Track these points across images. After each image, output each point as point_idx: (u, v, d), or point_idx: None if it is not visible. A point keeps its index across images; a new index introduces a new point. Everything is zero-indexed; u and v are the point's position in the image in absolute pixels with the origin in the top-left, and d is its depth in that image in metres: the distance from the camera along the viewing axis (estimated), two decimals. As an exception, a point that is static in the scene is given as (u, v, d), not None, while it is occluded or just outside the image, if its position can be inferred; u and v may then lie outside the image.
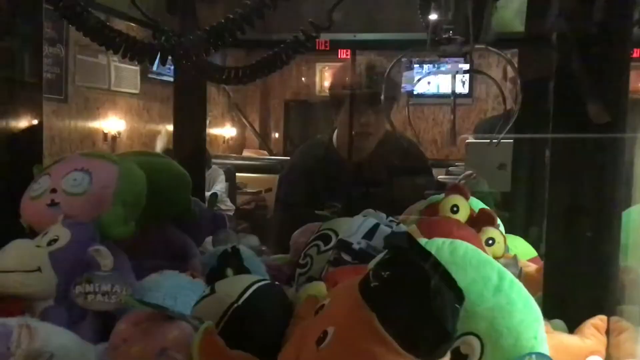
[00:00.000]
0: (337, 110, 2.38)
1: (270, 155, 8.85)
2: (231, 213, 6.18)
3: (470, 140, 2.61)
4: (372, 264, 0.77)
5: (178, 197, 1.48)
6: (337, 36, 2.07)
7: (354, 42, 2.17)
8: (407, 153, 2.38)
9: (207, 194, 5.60)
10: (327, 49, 2.65)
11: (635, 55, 2.28)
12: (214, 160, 6.49)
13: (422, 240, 0.84)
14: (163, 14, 2.03)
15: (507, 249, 1.52)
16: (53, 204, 1.21)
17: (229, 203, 6.24)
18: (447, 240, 0.86)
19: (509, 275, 0.83)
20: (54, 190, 1.22)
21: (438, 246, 0.85)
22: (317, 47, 2.50)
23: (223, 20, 1.11)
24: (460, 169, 3.62)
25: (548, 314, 1.16)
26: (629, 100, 1.19)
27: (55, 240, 1.11)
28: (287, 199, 2.45)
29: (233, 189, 6.71)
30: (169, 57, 1.13)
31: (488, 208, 1.53)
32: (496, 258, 1.28)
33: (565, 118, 1.19)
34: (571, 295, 1.17)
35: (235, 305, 0.88)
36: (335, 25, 1.63)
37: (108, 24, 1.13)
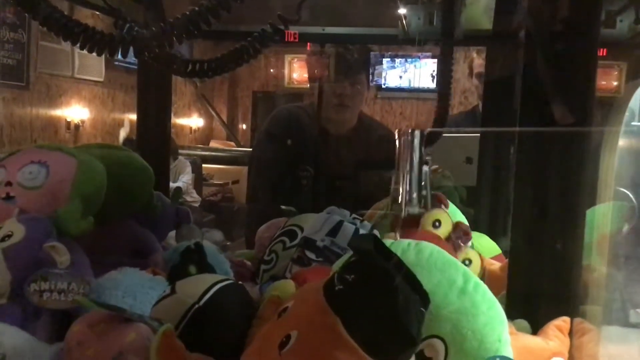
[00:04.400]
0: (313, 90, 2.40)
1: (238, 147, 8.78)
2: (197, 204, 6.12)
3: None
4: (336, 266, 0.76)
5: (140, 191, 1.44)
6: (307, 29, 2.04)
7: (322, 35, 2.15)
8: (383, 137, 2.39)
9: (173, 185, 5.55)
10: (296, 40, 2.63)
11: (602, 54, 2.32)
12: (180, 151, 6.42)
13: (388, 242, 0.83)
14: (129, 2, 1.97)
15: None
16: (8, 197, 1.17)
17: (195, 194, 6.18)
18: (413, 242, 0.85)
19: (473, 277, 0.82)
20: (9, 184, 1.18)
21: (404, 248, 0.83)
22: (286, 39, 2.49)
23: (188, 12, 1.07)
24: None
25: (512, 313, 1.16)
26: (597, 98, 1.19)
27: (9, 236, 1.07)
28: (264, 156, 2.43)
29: (199, 180, 6.65)
30: (130, 49, 1.09)
31: (464, 223, 1.52)
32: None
33: (530, 115, 1.19)
34: (535, 294, 1.17)
35: (196, 306, 0.85)
36: (305, 19, 1.61)
37: (66, 13, 1.09)
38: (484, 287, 0.82)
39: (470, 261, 1.31)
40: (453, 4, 1.73)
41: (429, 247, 0.84)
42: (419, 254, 0.83)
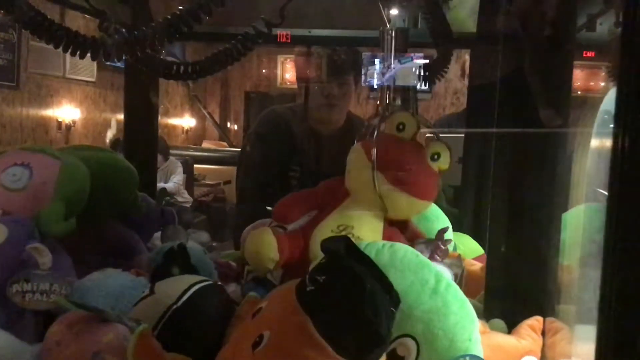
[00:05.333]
0: (302, 89, 2.42)
1: (230, 147, 8.78)
2: (188, 205, 6.12)
3: (429, 135, 2.64)
4: (310, 268, 0.77)
5: (124, 193, 1.46)
6: (298, 31, 2.06)
7: (313, 37, 2.17)
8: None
9: (163, 185, 5.51)
10: (289, 41, 2.65)
11: (586, 55, 2.35)
12: (172, 152, 6.42)
13: (362, 244, 0.84)
14: (115, 3, 1.98)
15: (454, 247, 1.54)
16: (-9, 199, 1.17)
17: (186, 195, 6.18)
18: (387, 244, 0.86)
19: (445, 277, 0.84)
20: (-8, 185, 1.18)
21: (378, 249, 0.85)
22: (278, 40, 2.51)
23: (169, 16, 1.09)
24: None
25: (490, 313, 1.18)
26: (584, 99, 1.21)
27: (-9, 238, 1.08)
28: (252, 157, 2.44)
29: (191, 180, 6.64)
30: (113, 53, 1.10)
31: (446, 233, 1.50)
32: (441, 171, 1.26)
33: (510, 117, 1.21)
34: (512, 294, 1.19)
35: (174, 306, 0.87)
36: (293, 20, 1.62)
37: (57, 16, 1.10)
38: (455, 287, 0.84)
39: (438, 155, 1.24)
40: (437, 6, 1.75)
41: (402, 248, 0.86)
42: (393, 254, 0.85)
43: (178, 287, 0.90)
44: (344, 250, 0.74)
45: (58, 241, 1.20)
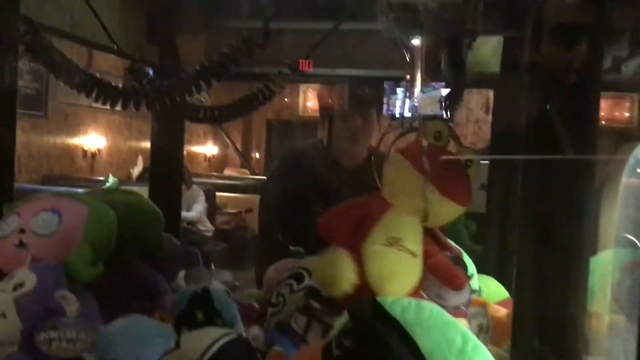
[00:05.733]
0: (325, 121, 2.44)
1: (252, 175, 8.83)
2: (210, 234, 6.15)
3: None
4: (336, 329, 0.77)
5: (149, 235, 1.47)
6: (322, 70, 2.09)
7: (333, 76, 2.20)
8: None
9: (186, 214, 5.57)
10: (311, 70, 2.68)
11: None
12: (194, 179, 6.47)
13: (388, 302, 0.84)
14: (143, 43, 2.03)
15: (478, 291, 1.52)
16: (21, 244, 1.20)
17: (208, 224, 6.21)
18: (413, 301, 0.86)
19: (472, 338, 0.83)
20: (22, 231, 1.21)
21: (404, 307, 0.85)
22: (300, 68, 2.53)
23: (198, 67, 1.11)
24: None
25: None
26: (610, 128, 1.20)
27: (21, 285, 1.09)
28: (275, 196, 2.46)
29: (212, 209, 6.68)
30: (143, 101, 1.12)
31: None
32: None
33: (537, 160, 1.19)
34: (540, 344, 1.17)
35: (200, 363, 0.87)
36: (317, 59, 1.65)
37: (82, 68, 1.13)
38: (482, 348, 0.83)
39: (439, 134, 1.24)
40: (459, 47, 1.76)
41: (428, 306, 0.85)
42: (419, 313, 0.84)
43: (203, 341, 0.90)
44: (371, 311, 0.74)
45: (85, 285, 1.21)
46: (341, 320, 0.86)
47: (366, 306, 0.73)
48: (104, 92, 1.11)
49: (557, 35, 1.03)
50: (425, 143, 1.26)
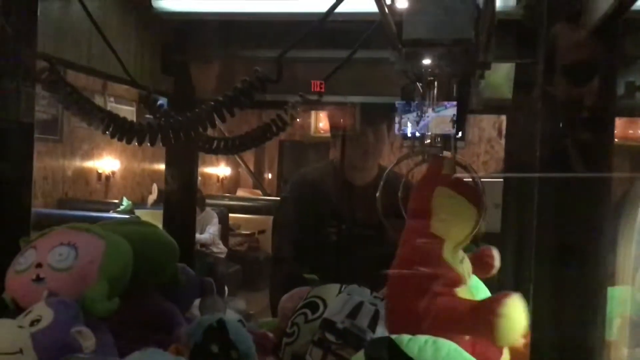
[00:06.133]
0: (336, 141, 2.47)
1: (264, 195, 8.86)
2: (223, 255, 6.16)
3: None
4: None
5: (165, 267, 1.48)
6: (333, 98, 2.11)
7: (344, 103, 2.22)
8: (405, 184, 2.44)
9: (199, 236, 5.59)
10: (322, 91, 2.71)
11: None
12: (207, 201, 6.50)
13: (404, 340, 0.84)
14: (158, 74, 2.05)
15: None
16: (38, 279, 1.20)
17: (221, 245, 6.22)
18: (430, 339, 0.85)
19: (491, 378, 0.83)
20: (39, 265, 1.21)
21: (420, 346, 0.84)
22: (312, 89, 2.55)
23: (213, 103, 1.12)
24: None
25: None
26: (626, 147, 1.20)
27: (37, 321, 1.10)
28: (287, 222, 2.47)
29: (226, 230, 6.70)
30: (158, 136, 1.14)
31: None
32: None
33: (551, 186, 1.19)
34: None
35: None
36: (329, 87, 1.66)
37: (95, 102, 1.15)
38: (500, 388, 0.82)
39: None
40: (472, 78, 1.77)
41: (446, 345, 0.85)
42: (436, 352, 0.84)
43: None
44: (387, 351, 0.74)
45: (101, 319, 1.22)
46: (357, 358, 0.86)
47: (383, 345, 0.73)
48: (120, 129, 1.12)
49: (566, 72, 1.03)
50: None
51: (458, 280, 1.16)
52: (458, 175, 1.35)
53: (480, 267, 1.52)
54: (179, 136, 1.13)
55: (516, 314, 1.01)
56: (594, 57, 0.96)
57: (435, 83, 1.35)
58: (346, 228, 2.39)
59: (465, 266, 1.27)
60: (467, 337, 1.04)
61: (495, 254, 1.56)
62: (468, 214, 1.24)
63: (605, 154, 1.14)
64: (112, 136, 1.13)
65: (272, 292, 2.49)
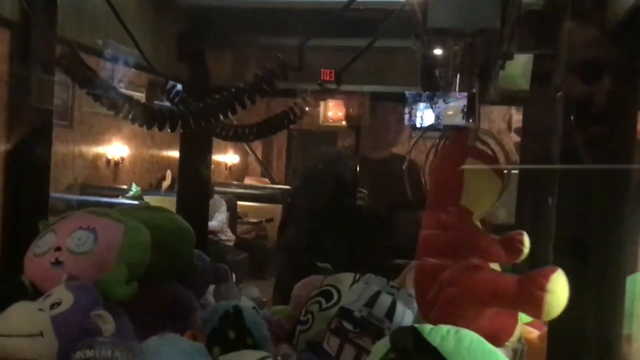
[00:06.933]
0: (352, 130, 2.50)
1: (272, 184, 8.86)
2: (231, 243, 6.18)
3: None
4: (375, 356, 0.77)
5: (181, 253, 1.48)
6: (348, 87, 2.11)
7: (357, 92, 2.22)
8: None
9: (209, 223, 5.59)
10: (333, 80, 2.71)
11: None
12: (215, 188, 6.51)
13: (427, 329, 0.84)
14: (174, 61, 2.05)
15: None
16: (57, 262, 1.21)
17: (229, 233, 6.24)
18: (452, 329, 0.85)
19: (513, 369, 0.83)
20: (58, 249, 1.22)
21: (443, 335, 0.84)
22: (322, 77, 2.55)
23: (234, 89, 1.12)
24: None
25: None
26: None
27: (57, 304, 1.11)
28: (305, 201, 2.51)
29: (234, 218, 6.71)
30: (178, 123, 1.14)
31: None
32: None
33: (571, 178, 1.18)
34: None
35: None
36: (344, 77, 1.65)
37: (116, 86, 1.15)
38: (523, 379, 0.82)
39: None
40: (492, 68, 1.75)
41: (468, 335, 0.85)
42: (459, 342, 0.84)
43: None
44: (412, 340, 0.74)
45: (119, 304, 1.23)
46: (380, 347, 0.86)
47: (407, 335, 0.73)
48: (141, 115, 1.12)
49: (586, 66, 1.02)
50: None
51: (497, 253, 1.16)
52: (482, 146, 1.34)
53: (510, 250, 1.52)
54: (199, 122, 1.12)
55: (562, 289, 1.00)
56: (615, 52, 0.95)
57: (458, 74, 1.35)
58: (370, 196, 2.43)
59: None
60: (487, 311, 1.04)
61: (526, 240, 1.55)
62: (494, 185, 1.25)
63: (626, 148, 1.13)
64: (133, 121, 1.13)
65: (279, 277, 2.51)
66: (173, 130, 1.15)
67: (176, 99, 1.40)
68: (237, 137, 1.50)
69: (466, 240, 1.16)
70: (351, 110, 2.64)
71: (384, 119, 2.43)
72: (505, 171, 1.32)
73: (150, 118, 1.12)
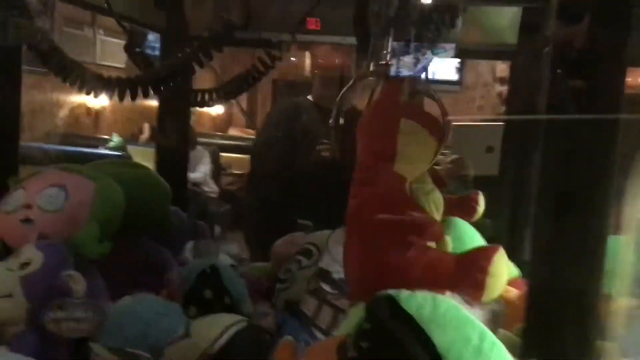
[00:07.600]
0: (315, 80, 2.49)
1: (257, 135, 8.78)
2: (215, 195, 6.13)
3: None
4: (349, 325, 0.75)
5: (156, 209, 1.45)
6: (330, 38, 2.05)
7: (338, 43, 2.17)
8: None
9: (191, 174, 5.53)
10: (318, 28, 2.67)
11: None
12: (198, 139, 6.42)
13: (403, 296, 0.82)
14: (150, 8, 1.97)
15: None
16: (27, 220, 1.18)
17: (213, 185, 6.18)
18: (429, 296, 0.83)
19: (489, 335, 0.81)
20: (28, 206, 1.19)
21: (419, 303, 0.82)
22: (307, 27, 2.49)
23: (189, 50, 1.07)
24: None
25: (530, 347, 1.14)
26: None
27: (27, 264, 1.08)
28: (270, 146, 2.47)
29: (217, 170, 6.65)
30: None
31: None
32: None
33: (557, 130, 1.15)
34: (554, 329, 1.15)
35: (209, 352, 0.85)
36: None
37: (76, 60, 1.08)
38: (500, 346, 0.81)
39: None
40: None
41: (444, 302, 0.83)
42: (435, 309, 0.82)
43: (213, 330, 0.89)
44: (388, 309, 0.72)
45: (91, 262, 1.20)
46: (355, 313, 0.84)
47: (383, 304, 0.71)
48: (99, 86, 1.06)
49: (559, 12, 0.98)
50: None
51: (437, 232, 1.03)
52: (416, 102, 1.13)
53: (465, 210, 1.50)
54: (159, 89, 1.07)
55: (502, 270, 0.94)
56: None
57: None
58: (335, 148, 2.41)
59: (432, 199, 1.22)
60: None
61: (481, 199, 1.53)
62: (430, 147, 1.06)
63: (613, 100, 1.10)
64: (80, 89, 1.08)
65: (247, 235, 2.50)
66: (134, 99, 1.09)
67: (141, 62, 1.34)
68: (204, 102, 1.45)
69: (400, 217, 1.00)
70: (319, 61, 2.63)
71: (332, 68, 2.40)
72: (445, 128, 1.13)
73: (98, 87, 1.06)
